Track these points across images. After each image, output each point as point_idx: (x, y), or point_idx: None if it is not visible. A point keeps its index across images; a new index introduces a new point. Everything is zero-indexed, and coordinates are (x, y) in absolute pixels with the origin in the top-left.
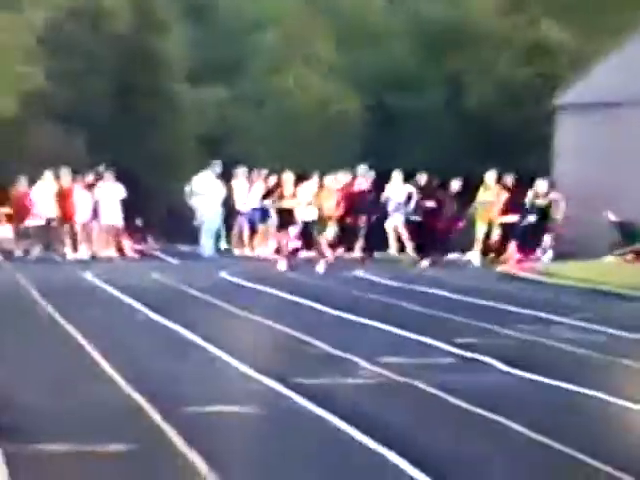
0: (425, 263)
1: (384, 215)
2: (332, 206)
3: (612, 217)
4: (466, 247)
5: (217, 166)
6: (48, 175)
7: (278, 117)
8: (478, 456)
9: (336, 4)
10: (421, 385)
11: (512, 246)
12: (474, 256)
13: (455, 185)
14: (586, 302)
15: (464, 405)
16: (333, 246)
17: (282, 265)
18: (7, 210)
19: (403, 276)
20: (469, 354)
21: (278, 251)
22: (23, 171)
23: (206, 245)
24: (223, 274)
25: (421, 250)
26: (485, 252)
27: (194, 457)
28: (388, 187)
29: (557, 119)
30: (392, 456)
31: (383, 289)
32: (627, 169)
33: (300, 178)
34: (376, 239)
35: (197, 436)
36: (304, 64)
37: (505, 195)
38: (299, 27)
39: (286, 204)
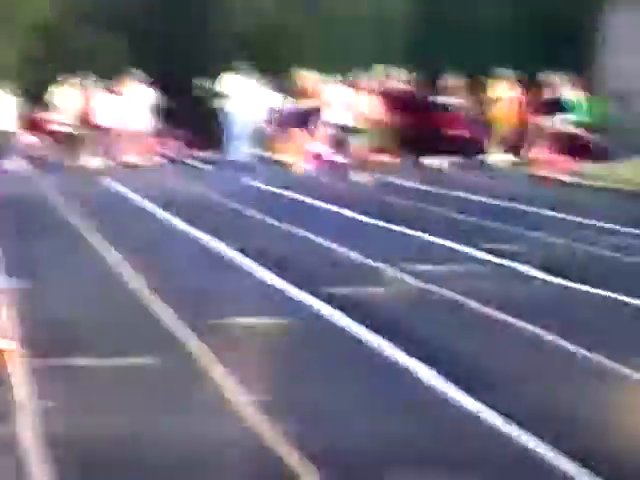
0: (444, 164)
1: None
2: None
3: None
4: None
5: (247, 68)
6: (73, 81)
7: (326, 20)
8: (508, 368)
9: None
10: (450, 293)
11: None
12: (499, 157)
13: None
14: (630, 207)
15: (494, 313)
16: (374, 152)
17: (298, 168)
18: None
19: (433, 180)
20: (502, 261)
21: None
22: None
23: (234, 149)
24: (252, 181)
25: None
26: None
27: (219, 369)
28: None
29: (607, 16)
30: (417, 366)
31: (414, 194)
32: None
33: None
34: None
35: (223, 348)
36: None
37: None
38: None
39: (309, 103)
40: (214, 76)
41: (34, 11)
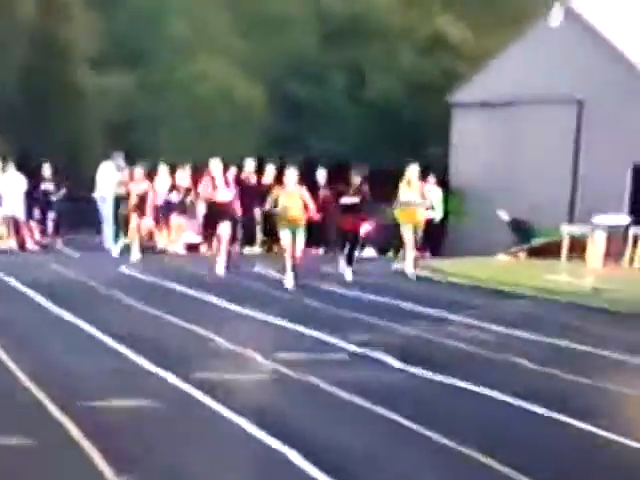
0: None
1: None
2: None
3: (504, 216)
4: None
5: (119, 157)
6: None
7: (183, 106)
8: (370, 450)
9: None
10: (316, 381)
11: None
12: (408, 264)
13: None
14: (476, 299)
15: (356, 400)
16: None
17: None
18: None
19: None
20: (363, 350)
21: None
22: None
23: (109, 239)
24: (123, 268)
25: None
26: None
27: (92, 451)
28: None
29: (454, 114)
30: (287, 450)
31: (281, 284)
32: (521, 167)
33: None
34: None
35: (96, 430)
36: (209, 53)
37: (432, 193)
38: (204, 16)
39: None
40: (87, 163)
41: None
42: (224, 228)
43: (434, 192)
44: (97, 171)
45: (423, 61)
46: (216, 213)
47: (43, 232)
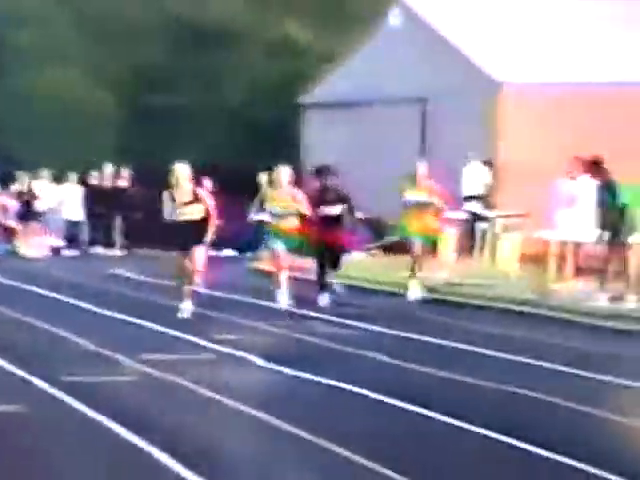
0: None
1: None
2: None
3: (359, 215)
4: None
5: None
6: None
7: (35, 115)
8: (241, 451)
9: (89, 1)
10: (182, 381)
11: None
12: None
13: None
14: (340, 297)
15: (222, 399)
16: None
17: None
18: None
19: (162, 273)
20: (228, 350)
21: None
22: None
23: None
24: None
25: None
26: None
27: None
28: None
29: (304, 116)
30: (157, 452)
31: (142, 286)
32: (369, 167)
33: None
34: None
35: None
36: (60, 62)
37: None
38: (54, 25)
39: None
40: None
41: None
42: None
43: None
44: None
45: (273, 64)
46: None
47: None
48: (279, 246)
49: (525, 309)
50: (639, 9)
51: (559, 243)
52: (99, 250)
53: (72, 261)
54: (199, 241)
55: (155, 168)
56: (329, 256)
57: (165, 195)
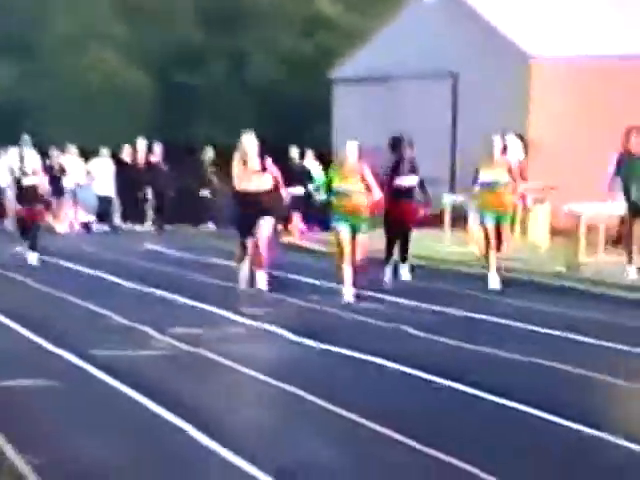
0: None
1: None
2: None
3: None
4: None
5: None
6: None
7: (71, 94)
8: (270, 425)
9: None
10: (211, 355)
11: (296, 217)
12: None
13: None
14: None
15: (252, 373)
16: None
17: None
18: None
19: (194, 248)
20: (257, 323)
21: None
22: None
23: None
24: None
25: None
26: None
27: None
28: None
29: (334, 91)
30: (184, 425)
31: (174, 261)
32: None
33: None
34: (170, 211)
35: None
36: (96, 42)
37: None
38: (90, 6)
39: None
40: None
41: None
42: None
43: (314, 168)
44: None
45: (304, 40)
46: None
47: None
48: (345, 231)
49: (556, 282)
50: None
51: (588, 217)
52: (130, 226)
53: (104, 237)
54: (268, 212)
55: (185, 145)
56: (401, 231)
57: (236, 161)
